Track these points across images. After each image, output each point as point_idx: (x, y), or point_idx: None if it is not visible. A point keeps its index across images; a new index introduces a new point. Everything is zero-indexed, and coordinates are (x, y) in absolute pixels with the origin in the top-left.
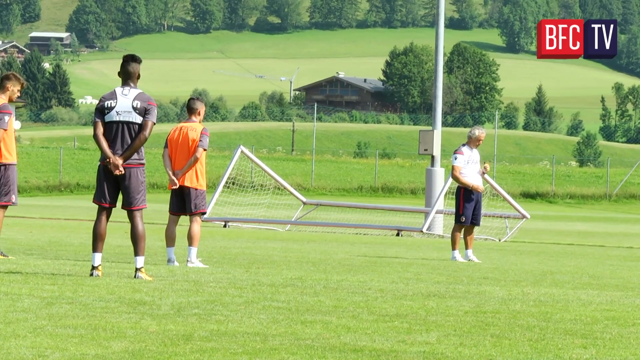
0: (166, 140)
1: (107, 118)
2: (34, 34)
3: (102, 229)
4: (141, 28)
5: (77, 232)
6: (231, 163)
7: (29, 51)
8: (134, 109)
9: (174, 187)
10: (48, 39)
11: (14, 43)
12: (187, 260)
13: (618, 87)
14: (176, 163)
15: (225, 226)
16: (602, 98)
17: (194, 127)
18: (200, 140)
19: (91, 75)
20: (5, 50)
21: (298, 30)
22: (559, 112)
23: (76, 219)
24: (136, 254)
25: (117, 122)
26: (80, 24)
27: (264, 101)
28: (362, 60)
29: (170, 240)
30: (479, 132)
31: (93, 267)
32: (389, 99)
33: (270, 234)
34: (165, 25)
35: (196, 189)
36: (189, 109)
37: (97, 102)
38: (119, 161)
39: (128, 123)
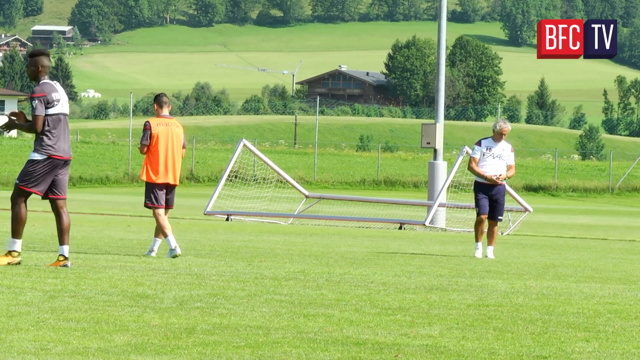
0: (149, 133)
1: (54, 110)
2: (36, 27)
3: (26, 214)
4: (143, 21)
5: (79, 225)
6: (233, 156)
7: (31, 44)
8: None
9: (162, 182)
10: (50, 32)
11: (16, 36)
12: (152, 251)
13: (620, 80)
14: (167, 160)
15: (227, 220)
16: (605, 91)
17: (177, 123)
18: (184, 139)
19: (93, 69)
20: (7, 44)
21: (300, 23)
22: (562, 105)
23: (78, 212)
24: (64, 243)
25: (64, 115)
26: (82, 17)
27: (266, 94)
28: (364, 54)
29: (167, 229)
30: (499, 126)
31: (16, 253)
32: (392, 92)
33: (273, 227)
34: (168, 19)
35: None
36: (163, 102)
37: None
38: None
39: (66, 115)
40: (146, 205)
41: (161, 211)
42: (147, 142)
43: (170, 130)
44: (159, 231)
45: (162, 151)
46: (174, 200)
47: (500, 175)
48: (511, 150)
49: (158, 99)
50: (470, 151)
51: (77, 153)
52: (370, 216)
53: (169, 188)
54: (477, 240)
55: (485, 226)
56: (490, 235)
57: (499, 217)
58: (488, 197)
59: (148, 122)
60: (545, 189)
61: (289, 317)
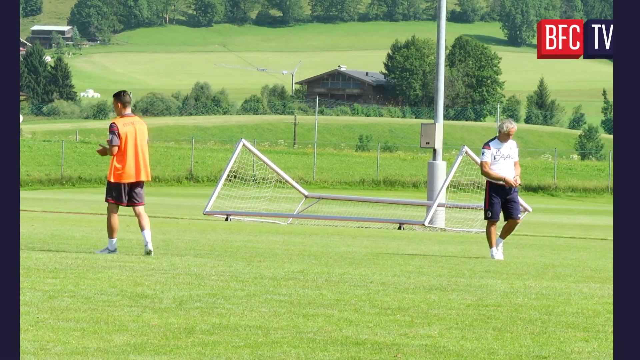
0: (117, 132)
1: None
2: (35, 27)
3: None
4: (143, 21)
5: (79, 226)
6: (233, 156)
7: (30, 44)
8: None
9: (134, 181)
10: (50, 32)
11: None
12: (148, 244)
13: None
14: (138, 158)
15: (227, 220)
16: (604, 91)
17: (140, 120)
18: (147, 135)
19: (93, 69)
20: None
21: (300, 23)
22: (561, 105)
23: (78, 212)
24: None
25: None
26: (81, 17)
27: (265, 94)
28: (363, 54)
29: (117, 230)
30: (506, 126)
31: None
32: (391, 92)
33: (272, 227)
34: (167, 19)
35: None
36: (127, 102)
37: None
38: None
39: None
40: (107, 201)
41: (116, 207)
42: (118, 143)
43: (136, 128)
44: (140, 225)
45: (132, 150)
46: (143, 196)
47: (516, 177)
48: (516, 147)
49: (121, 98)
50: (470, 151)
51: (76, 153)
52: (369, 216)
53: (140, 184)
54: (491, 246)
55: (497, 229)
56: (508, 230)
57: (519, 215)
58: (503, 199)
59: (114, 123)
60: (544, 189)
61: (288, 317)
